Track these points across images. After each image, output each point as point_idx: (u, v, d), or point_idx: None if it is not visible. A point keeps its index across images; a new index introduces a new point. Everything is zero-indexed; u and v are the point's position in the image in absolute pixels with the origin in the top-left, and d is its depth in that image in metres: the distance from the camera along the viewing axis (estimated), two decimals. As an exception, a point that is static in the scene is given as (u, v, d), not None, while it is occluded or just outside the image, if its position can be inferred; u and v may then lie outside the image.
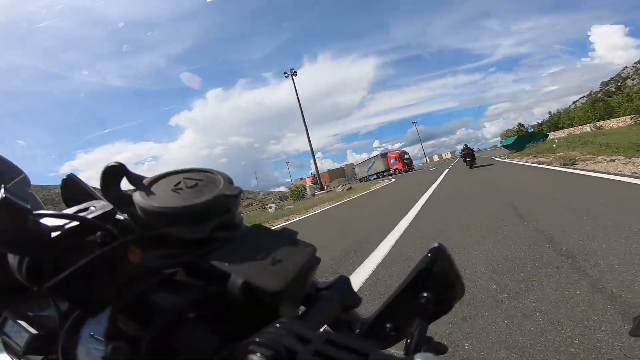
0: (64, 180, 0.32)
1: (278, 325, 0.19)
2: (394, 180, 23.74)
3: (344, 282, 0.30)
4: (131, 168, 0.27)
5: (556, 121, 43.95)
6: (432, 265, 0.28)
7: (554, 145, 15.23)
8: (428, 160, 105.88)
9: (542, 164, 10.48)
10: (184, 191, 0.27)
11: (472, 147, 16.57)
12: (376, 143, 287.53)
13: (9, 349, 0.30)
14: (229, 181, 0.28)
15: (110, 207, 0.27)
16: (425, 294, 0.28)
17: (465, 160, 15.85)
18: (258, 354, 0.17)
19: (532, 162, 11.88)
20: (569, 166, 8.18)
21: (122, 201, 0.27)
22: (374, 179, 43.91)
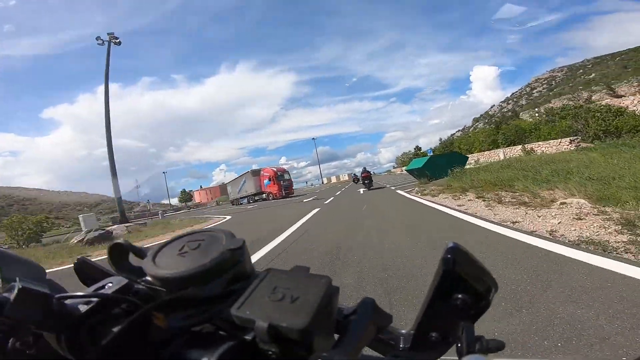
0: (75, 264, 0.34)
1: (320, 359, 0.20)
2: (227, 218, 13.01)
3: (370, 303, 0.30)
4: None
5: (449, 147, 41.88)
6: (453, 265, 0.27)
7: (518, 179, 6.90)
8: (325, 181, 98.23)
9: None
10: (189, 254, 0.28)
11: (369, 170, 17.35)
12: (283, 160, 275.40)
13: None
14: (230, 235, 0.30)
15: (126, 280, 0.30)
16: (459, 295, 0.28)
17: (364, 183, 16.47)
18: None
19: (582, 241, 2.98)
20: None
21: (135, 274, 0.30)
22: (245, 203, 32.41)
